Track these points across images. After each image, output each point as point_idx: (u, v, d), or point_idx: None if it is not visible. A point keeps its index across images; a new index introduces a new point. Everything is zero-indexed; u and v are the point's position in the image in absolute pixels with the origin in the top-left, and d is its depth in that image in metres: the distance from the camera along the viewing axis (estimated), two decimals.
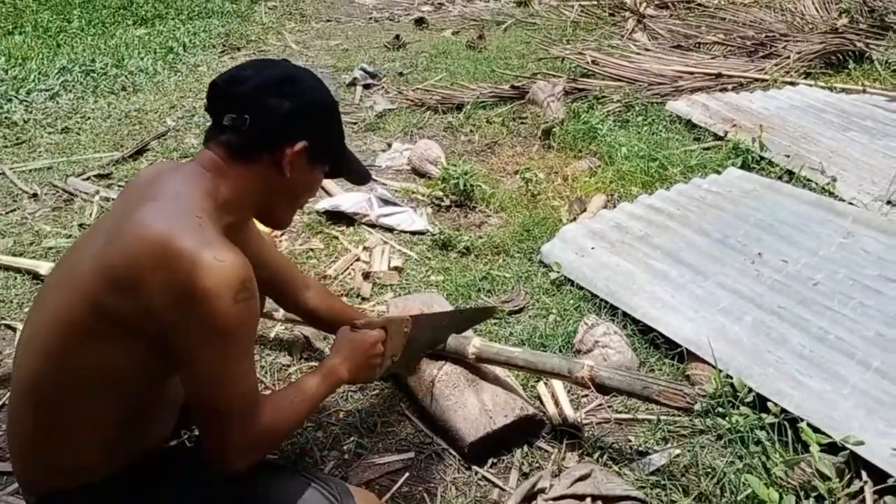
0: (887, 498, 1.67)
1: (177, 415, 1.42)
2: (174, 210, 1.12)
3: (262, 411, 1.21)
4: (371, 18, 7.36)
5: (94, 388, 1.15)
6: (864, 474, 1.74)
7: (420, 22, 6.94)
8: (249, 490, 1.30)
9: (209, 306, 1.05)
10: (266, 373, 2.17)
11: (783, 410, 1.84)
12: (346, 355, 1.44)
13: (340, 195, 3.17)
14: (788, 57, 5.04)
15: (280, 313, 2.20)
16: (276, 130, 1.21)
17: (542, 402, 2.04)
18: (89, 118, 4.28)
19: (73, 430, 1.18)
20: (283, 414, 1.27)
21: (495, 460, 1.86)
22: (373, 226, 3.01)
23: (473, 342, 1.94)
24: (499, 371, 2.00)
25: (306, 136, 1.23)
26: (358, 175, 1.45)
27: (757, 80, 4.75)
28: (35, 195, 3.33)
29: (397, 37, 6.13)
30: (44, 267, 2.63)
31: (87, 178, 3.48)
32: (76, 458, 1.20)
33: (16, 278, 2.65)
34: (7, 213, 3.18)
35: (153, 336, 1.09)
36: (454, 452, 1.88)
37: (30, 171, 3.60)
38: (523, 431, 1.90)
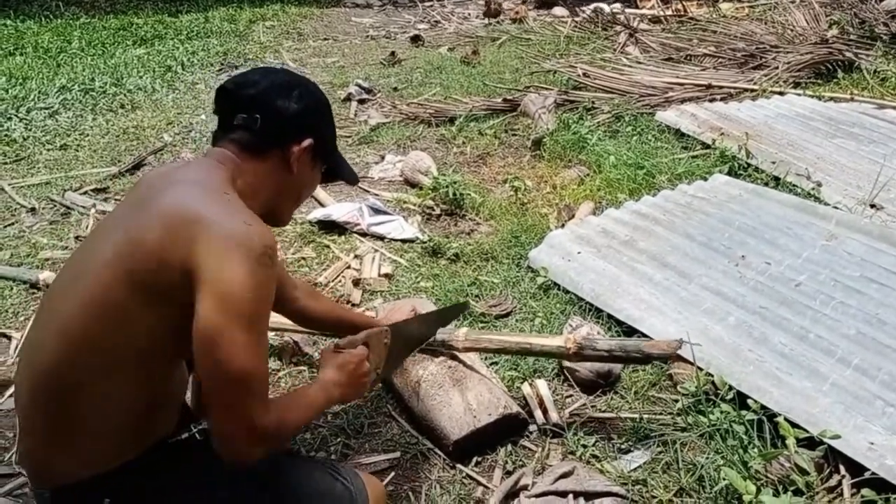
0: (864, 490, 1.69)
1: (179, 409, 1.46)
2: (200, 191, 1.20)
3: (272, 402, 1.19)
4: (368, 36, 7.47)
5: (115, 369, 1.19)
6: (842, 468, 1.77)
7: (416, 39, 7.04)
8: (262, 472, 1.34)
9: (235, 261, 1.10)
10: None
11: (763, 407, 1.86)
12: (336, 378, 1.40)
13: (332, 205, 3.22)
14: (777, 67, 5.10)
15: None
16: (286, 129, 1.32)
17: (526, 401, 2.07)
18: (87, 135, 4.35)
19: (90, 416, 1.21)
20: (292, 411, 1.25)
21: (479, 459, 1.89)
22: (364, 234, 3.06)
23: (462, 331, 1.99)
24: (484, 371, 2.04)
25: (311, 135, 1.34)
26: (350, 175, 1.55)
27: (746, 90, 4.80)
28: (33, 209, 3.39)
29: (393, 53, 6.23)
30: (43, 274, 2.68)
31: (85, 193, 3.54)
32: (91, 445, 1.23)
33: (11, 288, 2.69)
34: (5, 226, 3.23)
35: (184, 302, 1.12)
36: (439, 451, 1.90)
37: (28, 186, 3.66)
38: (507, 430, 1.93)
